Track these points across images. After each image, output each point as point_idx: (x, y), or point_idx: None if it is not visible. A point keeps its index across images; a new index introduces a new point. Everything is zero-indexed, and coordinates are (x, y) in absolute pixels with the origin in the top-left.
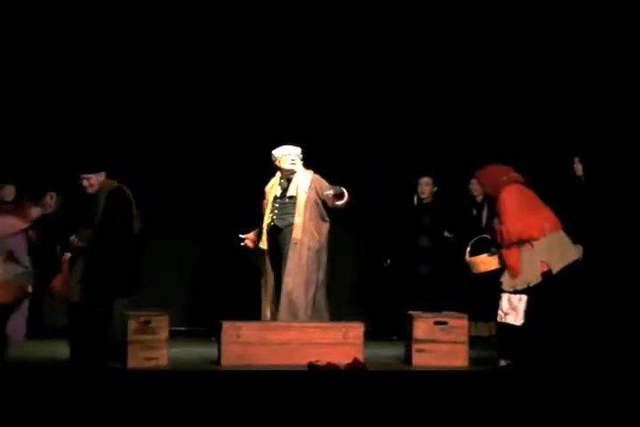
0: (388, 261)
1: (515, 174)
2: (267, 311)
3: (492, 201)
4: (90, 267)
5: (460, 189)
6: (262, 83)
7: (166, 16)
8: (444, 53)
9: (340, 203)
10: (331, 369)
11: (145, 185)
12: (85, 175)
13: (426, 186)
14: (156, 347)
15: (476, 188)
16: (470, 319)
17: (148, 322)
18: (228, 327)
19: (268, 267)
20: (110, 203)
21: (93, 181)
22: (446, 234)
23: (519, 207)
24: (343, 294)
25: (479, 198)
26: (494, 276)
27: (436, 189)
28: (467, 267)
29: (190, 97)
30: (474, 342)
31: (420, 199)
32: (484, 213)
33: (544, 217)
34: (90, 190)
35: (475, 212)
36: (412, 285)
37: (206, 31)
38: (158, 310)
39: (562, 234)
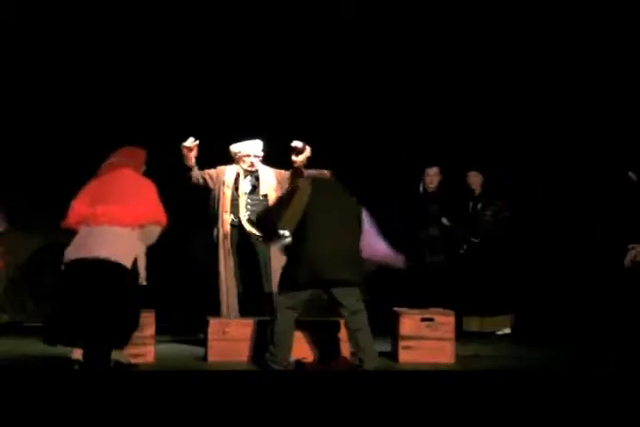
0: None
1: None
2: (230, 308)
3: (489, 195)
4: None
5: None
6: (263, 83)
7: (167, 12)
8: (447, 48)
9: (297, 158)
10: (318, 367)
11: None
12: None
13: (435, 176)
14: (142, 344)
15: (473, 180)
16: (461, 314)
17: None
18: (215, 324)
19: (232, 264)
20: None
21: None
22: (444, 221)
23: None
24: None
25: (477, 191)
26: (485, 271)
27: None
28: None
29: (190, 98)
30: (464, 336)
31: (425, 189)
32: (480, 207)
33: None
34: None
35: (471, 204)
36: (423, 274)
37: (206, 32)
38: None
39: None
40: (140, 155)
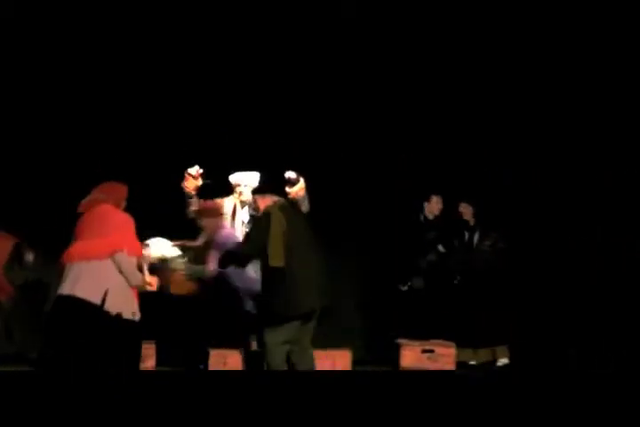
0: (409, 284)
1: None
2: None
3: (483, 225)
4: None
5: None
6: (262, 89)
7: (168, 11)
8: (449, 60)
9: (292, 189)
10: None
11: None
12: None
13: (436, 204)
14: None
15: (464, 211)
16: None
17: None
18: (216, 355)
19: None
20: None
21: None
22: (440, 248)
23: None
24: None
25: (472, 222)
26: (481, 302)
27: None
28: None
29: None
30: (464, 368)
31: (425, 217)
32: (476, 237)
33: None
34: None
35: (467, 234)
36: (418, 299)
37: (205, 33)
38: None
39: None
40: (121, 190)
